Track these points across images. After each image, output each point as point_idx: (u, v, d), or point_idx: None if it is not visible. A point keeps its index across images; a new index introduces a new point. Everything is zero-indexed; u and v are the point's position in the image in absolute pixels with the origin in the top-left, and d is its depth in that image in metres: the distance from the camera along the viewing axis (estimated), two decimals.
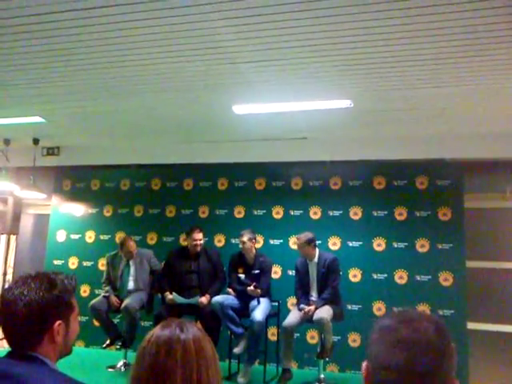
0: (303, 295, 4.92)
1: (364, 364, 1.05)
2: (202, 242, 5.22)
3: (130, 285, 5.34)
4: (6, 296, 1.39)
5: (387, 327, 1.02)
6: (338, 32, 3.08)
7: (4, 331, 1.41)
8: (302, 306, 4.76)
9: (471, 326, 5.16)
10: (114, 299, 5.18)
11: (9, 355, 1.37)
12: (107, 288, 5.32)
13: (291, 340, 4.71)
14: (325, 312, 4.60)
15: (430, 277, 5.33)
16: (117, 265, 5.42)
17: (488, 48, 3.21)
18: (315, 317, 4.58)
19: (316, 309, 4.66)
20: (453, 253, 5.30)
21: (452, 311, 5.16)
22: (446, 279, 5.28)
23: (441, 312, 5.13)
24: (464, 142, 5.27)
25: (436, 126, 5.11)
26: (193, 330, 1.17)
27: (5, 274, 6.69)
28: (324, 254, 4.99)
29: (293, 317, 4.76)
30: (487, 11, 2.73)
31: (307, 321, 4.74)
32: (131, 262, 5.39)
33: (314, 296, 4.91)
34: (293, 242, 5.75)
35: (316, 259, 4.92)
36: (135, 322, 5.10)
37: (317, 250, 4.96)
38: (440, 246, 5.35)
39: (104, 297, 5.24)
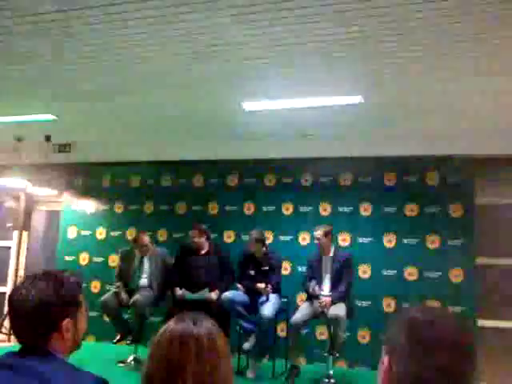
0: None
1: (386, 359, 1.04)
2: (198, 240, 5.25)
3: (143, 281, 5.35)
4: (14, 297, 1.41)
5: (419, 324, 1.00)
6: (348, 28, 3.07)
7: (14, 330, 1.43)
8: (315, 288, 4.66)
9: (481, 322, 5.13)
10: (123, 295, 5.20)
11: (22, 351, 1.39)
12: (118, 283, 5.34)
13: (298, 336, 4.71)
14: (340, 309, 4.59)
15: (440, 273, 5.30)
16: (130, 261, 5.43)
17: (501, 43, 3.18)
18: (331, 313, 4.54)
19: (333, 303, 4.62)
20: (463, 249, 5.27)
21: (462, 308, 5.13)
22: (456, 275, 5.25)
23: (451, 309, 5.10)
24: (475, 139, 5.23)
25: (447, 122, 5.08)
26: (206, 325, 1.18)
27: (17, 269, 6.76)
28: (340, 250, 5.00)
29: (301, 313, 4.76)
30: (502, 4, 2.71)
31: (316, 316, 4.73)
32: (145, 259, 5.41)
33: (325, 290, 4.90)
34: (302, 238, 5.76)
35: (331, 254, 4.92)
36: (143, 317, 5.12)
37: (332, 245, 4.97)
38: (450, 243, 5.33)
39: (114, 293, 5.27)
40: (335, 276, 4.86)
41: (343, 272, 4.81)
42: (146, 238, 5.40)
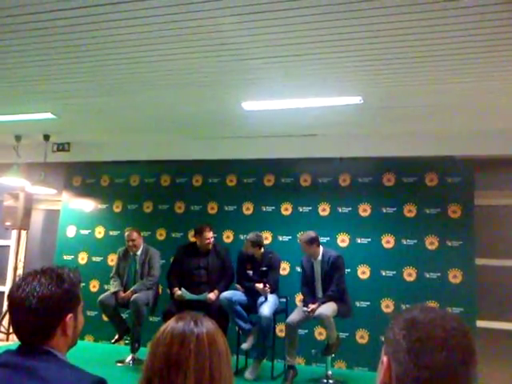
0: (309, 294, 4.92)
1: (385, 359, 1.04)
2: (213, 239, 5.26)
3: (139, 279, 5.36)
4: (17, 293, 1.39)
5: (418, 324, 1.00)
6: (348, 28, 3.07)
7: (16, 327, 1.41)
8: (304, 309, 4.76)
9: (481, 324, 5.13)
10: (122, 295, 5.21)
11: (20, 349, 1.38)
12: (116, 283, 5.34)
13: (294, 337, 4.72)
14: (326, 308, 4.61)
15: (439, 274, 5.30)
16: (127, 259, 5.46)
17: (500, 43, 3.19)
18: (316, 312, 4.59)
19: (319, 306, 4.66)
20: (462, 250, 5.27)
21: (461, 309, 5.13)
22: (455, 276, 5.25)
23: (450, 310, 5.10)
24: (475, 139, 5.23)
25: (446, 123, 5.08)
26: (207, 324, 1.19)
27: (15, 268, 6.74)
28: (328, 251, 4.95)
29: (296, 314, 4.77)
30: (500, 6, 2.71)
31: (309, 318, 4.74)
32: (137, 258, 5.42)
33: (318, 294, 4.90)
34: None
35: (320, 257, 4.91)
36: (141, 315, 5.10)
37: (321, 248, 4.95)
38: (449, 244, 5.33)
39: (113, 292, 5.27)
40: (325, 279, 4.86)
41: (333, 275, 4.81)
42: (136, 235, 5.41)
